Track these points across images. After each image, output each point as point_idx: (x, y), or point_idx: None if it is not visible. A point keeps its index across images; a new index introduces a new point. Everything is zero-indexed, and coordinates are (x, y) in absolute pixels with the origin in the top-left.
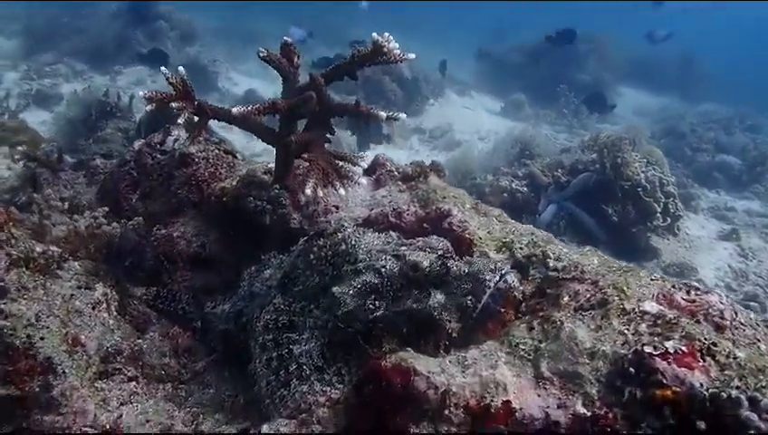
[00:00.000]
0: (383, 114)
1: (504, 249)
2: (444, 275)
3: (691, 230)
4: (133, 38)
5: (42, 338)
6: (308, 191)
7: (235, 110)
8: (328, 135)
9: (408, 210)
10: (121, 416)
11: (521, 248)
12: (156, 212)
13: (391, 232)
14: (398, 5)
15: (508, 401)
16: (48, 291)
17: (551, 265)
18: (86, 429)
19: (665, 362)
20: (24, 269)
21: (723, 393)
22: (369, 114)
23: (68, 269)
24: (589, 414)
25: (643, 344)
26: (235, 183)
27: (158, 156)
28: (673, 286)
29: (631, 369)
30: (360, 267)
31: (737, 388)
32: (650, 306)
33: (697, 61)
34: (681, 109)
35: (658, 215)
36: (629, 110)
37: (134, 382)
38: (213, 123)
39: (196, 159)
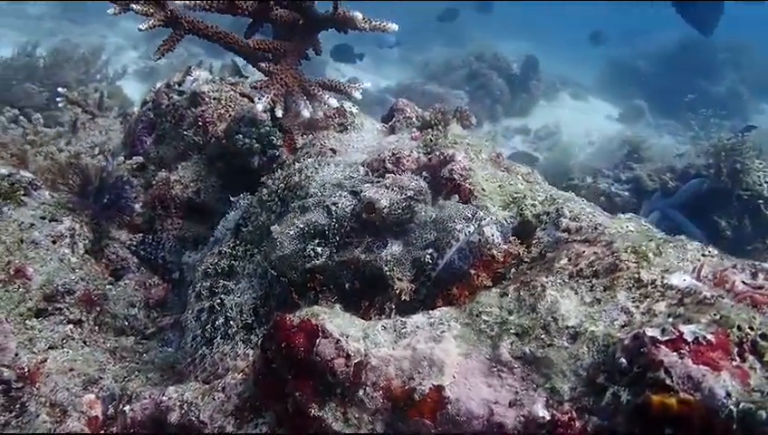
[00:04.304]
0: (359, 15)
1: (511, 205)
2: (407, 221)
3: None
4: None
5: None
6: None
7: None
8: (313, 52)
9: (408, 156)
10: (46, 360)
11: (533, 205)
12: (166, 156)
13: (360, 167)
14: (524, 7)
15: (440, 388)
16: (3, 215)
17: (563, 224)
18: (1, 368)
19: (674, 355)
20: None
21: (763, 413)
22: (344, 18)
23: (36, 198)
24: (547, 419)
25: (645, 326)
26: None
27: (175, 97)
28: (734, 266)
29: (623, 360)
30: (308, 203)
31: None
32: (680, 279)
33: None
34: None
35: None
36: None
37: (72, 326)
38: None
39: (207, 99)
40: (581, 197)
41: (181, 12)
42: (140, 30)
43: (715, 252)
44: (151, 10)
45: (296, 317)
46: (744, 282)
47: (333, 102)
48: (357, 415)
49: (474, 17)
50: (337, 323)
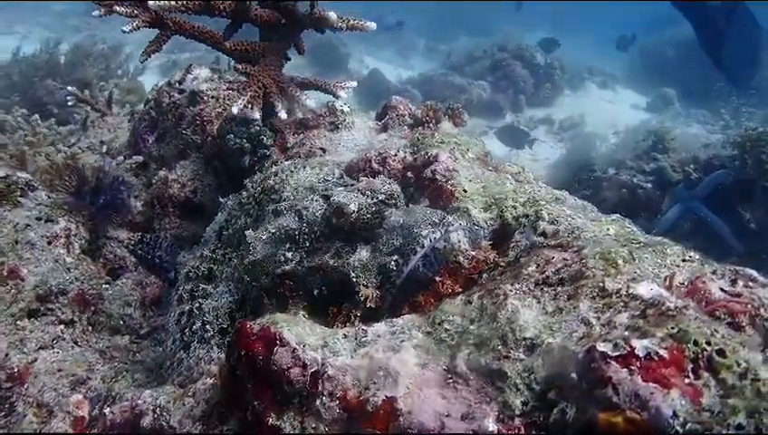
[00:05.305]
0: (333, 15)
1: (493, 207)
2: (376, 226)
3: None
4: None
5: None
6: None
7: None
8: (299, 53)
9: (394, 156)
10: (35, 360)
11: (513, 207)
12: (167, 155)
13: (336, 169)
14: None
15: (392, 400)
16: None
17: (540, 228)
18: None
19: (624, 371)
20: None
21: (709, 434)
22: (320, 17)
23: (33, 198)
24: (495, 434)
25: (598, 340)
26: None
27: (176, 95)
28: (714, 272)
29: (574, 375)
30: (281, 207)
31: (739, 428)
32: (646, 289)
33: None
34: None
35: None
36: None
37: (63, 326)
38: None
39: (205, 98)
40: (603, 189)
41: (165, 13)
42: (124, 32)
43: (697, 256)
44: (135, 11)
45: (257, 324)
46: (722, 289)
47: (310, 104)
48: (314, 425)
49: (501, 11)
50: (296, 331)
